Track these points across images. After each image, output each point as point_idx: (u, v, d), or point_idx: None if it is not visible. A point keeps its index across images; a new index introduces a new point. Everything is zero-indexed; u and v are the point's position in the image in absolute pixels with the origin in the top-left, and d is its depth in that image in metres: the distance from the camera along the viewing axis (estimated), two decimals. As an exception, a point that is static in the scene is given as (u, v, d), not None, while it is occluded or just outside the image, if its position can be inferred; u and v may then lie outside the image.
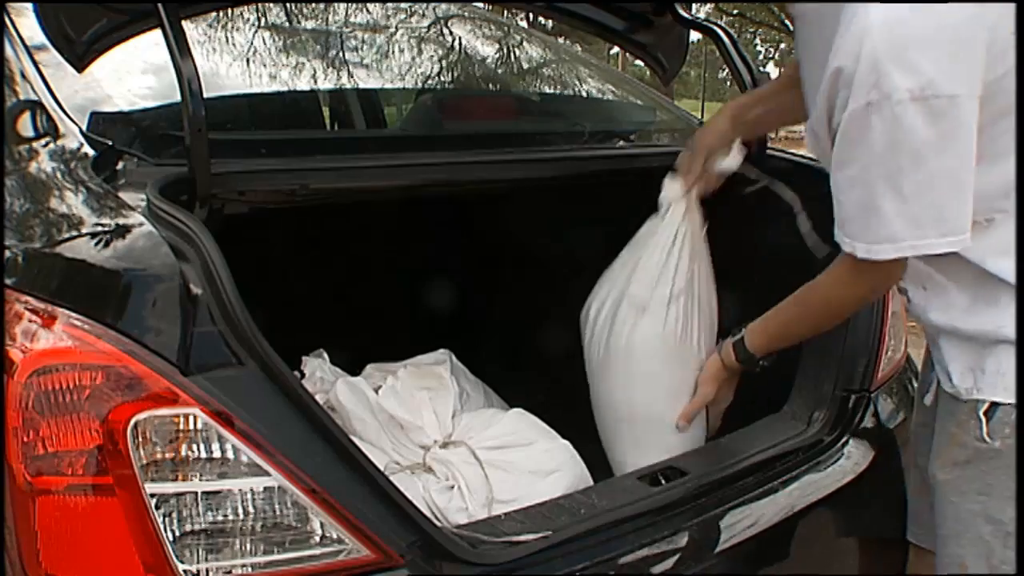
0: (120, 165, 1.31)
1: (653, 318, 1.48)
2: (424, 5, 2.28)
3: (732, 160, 1.49)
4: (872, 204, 1.14)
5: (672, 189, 1.50)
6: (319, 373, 1.51)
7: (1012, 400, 1.21)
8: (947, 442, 1.29)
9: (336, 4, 2.15)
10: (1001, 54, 1.11)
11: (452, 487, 1.34)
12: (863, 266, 1.21)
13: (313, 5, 2.11)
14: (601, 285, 1.56)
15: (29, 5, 1.63)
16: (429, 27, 2.30)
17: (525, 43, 2.45)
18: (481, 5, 2.64)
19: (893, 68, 1.07)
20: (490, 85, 2.30)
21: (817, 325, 1.41)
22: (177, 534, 0.98)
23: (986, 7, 1.09)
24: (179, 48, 1.19)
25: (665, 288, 1.48)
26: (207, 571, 0.99)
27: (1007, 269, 1.20)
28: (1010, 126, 1.15)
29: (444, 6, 2.35)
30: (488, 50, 2.38)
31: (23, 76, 1.49)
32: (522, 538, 1.15)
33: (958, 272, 1.24)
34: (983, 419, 1.23)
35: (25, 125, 1.45)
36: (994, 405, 1.22)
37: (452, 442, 1.40)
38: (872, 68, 1.08)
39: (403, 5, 2.24)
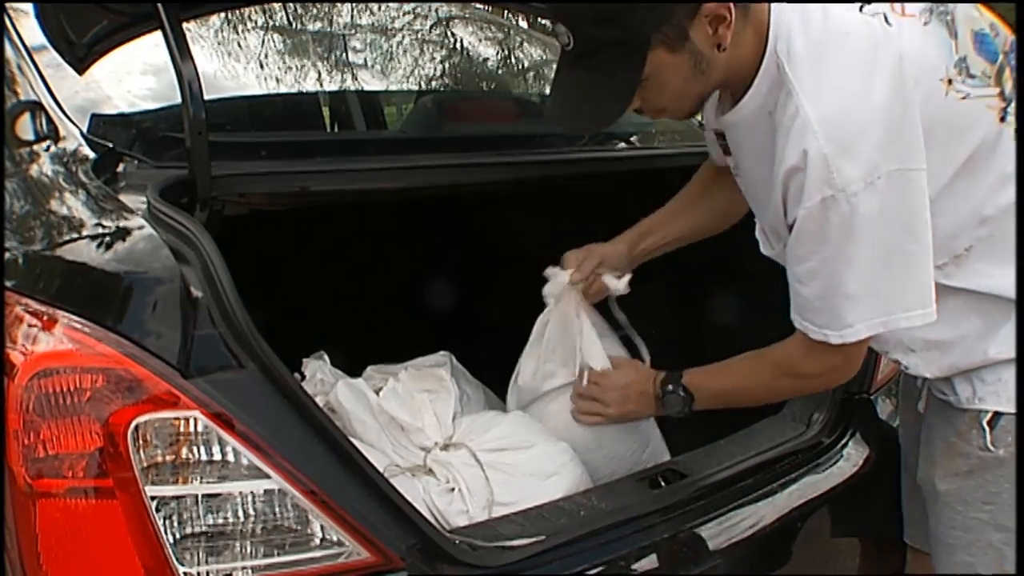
0: (120, 167, 1.32)
1: (546, 405, 1.49)
2: (423, 6, 2.28)
3: (620, 285, 1.48)
4: (837, 291, 1.15)
5: (556, 284, 1.50)
6: (319, 375, 1.51)
7: (1015, 410, 1.21)
8: (947, 452, 1.28)
9: (335, 6, 2.15)
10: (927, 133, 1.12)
11: (452, 489, 1.34)
12: (825, 346, 1.20)
13: (312, 7, 2.11)
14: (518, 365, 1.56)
15: (29, 6, 1.62)
16: (429, 29, 2.30)
17: (525, 44, 2.45)
18: (480, 6, 2.64)
19: (843, 163, 1.08)
20: (490, 87, 2.30)
21: (757, 390, 1.36)
22: (177, 537, 0.98)
23: (905, 86, 1.10)
24: (179, 50, 1.19)
25: (552, 381, 1.49)
26: (207, 573, 1.00)
27: (997, 285, 1.21)
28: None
29: (444, 7, 2.35)
30: (488, 51, 2.38)
31: (24, 77, 1.49)
32: (522, 541, 1.15)
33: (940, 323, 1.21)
34: (987, 428, 1.23)
35: (26, 127, 1.45)
36: (997, 414, 1.23)
37: (452, 444, 1.40)
38: (823, 166, 1.09)
39: (402, 6, 2.24)
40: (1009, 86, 1.20)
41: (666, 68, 1.18)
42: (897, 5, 1.18)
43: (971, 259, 1.21)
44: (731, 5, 1.13)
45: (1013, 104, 1.19)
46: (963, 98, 1.16)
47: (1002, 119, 1.18)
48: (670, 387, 1.39)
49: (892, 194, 1.10)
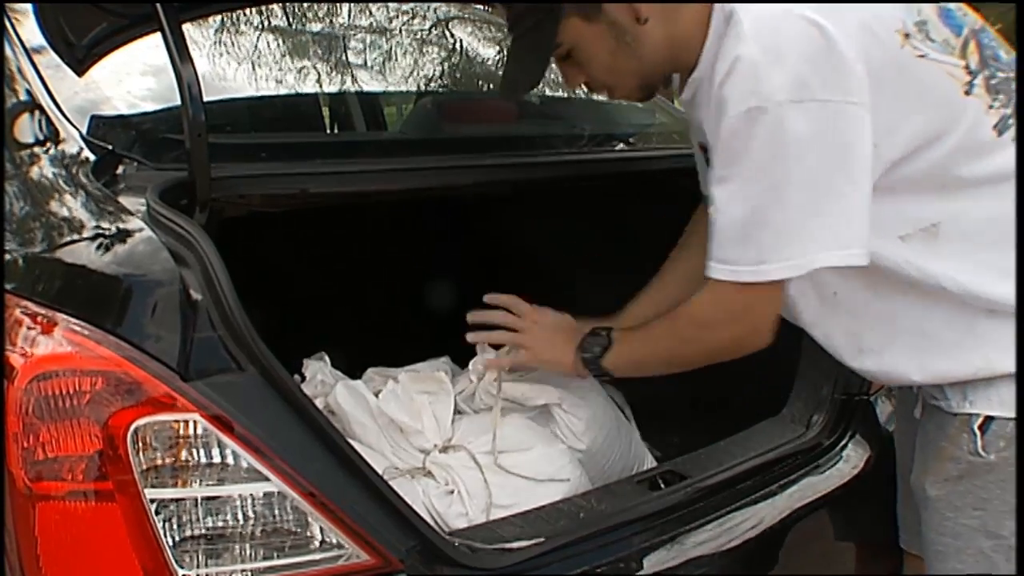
0: (120, 169, 1.31)
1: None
2: (423, 7, 2.28)
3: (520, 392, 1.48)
4: (754, 219, 1.10)
5: (477, 369, 1.50)
6: (320, 376, 1.51)
7: (1008, 414, 1.19)
8: (937, 457, 1.27)
9: (335, 7, 2.15)
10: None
11: (452, 491, 1.34)
12: (740, 290, 1.15)
13: (311, 8, 2.11)
14: None
15: (29, 7, 1.62)
16: (429, 30, 2.30)
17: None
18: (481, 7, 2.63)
19: (771, 70, 1.05)
20: (490, 88, 2.30)
21: (669, 343, 1.31)
22: (177, 539, 0.98)
23: (846, 22, 1.08)
24: (179, 52, 1.18)
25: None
26: (207, 576, 1.00)
27: (969, 282, 1.18)
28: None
29: (443, 8, 2.35)
30: (488, 52, 2.38)
31: (23, 78, 1.49)
32: (521, 543, 1.15)
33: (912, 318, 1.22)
34: (977, 433, 1.21)
35: (25, 128, 1.45)
36: (989, 419, 1.21)
37: (452, 446, 1.40)
38: (750, 70, 1.06)
39: (402, 7, 2.24)
40: (975, 60, 1.17)
41: (586, 38, 1.21)
42: None
43: (941, 240, 1.17)
44: None
45: (980, 78, 1.16)
46: (920, 56, 1.13)
47: (967, 92, 1.15)
48: (596, 334, 1.38)
49: (825, 123, 1.06)
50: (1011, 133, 1.17)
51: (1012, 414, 1.19)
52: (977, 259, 1.18)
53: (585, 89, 1.35)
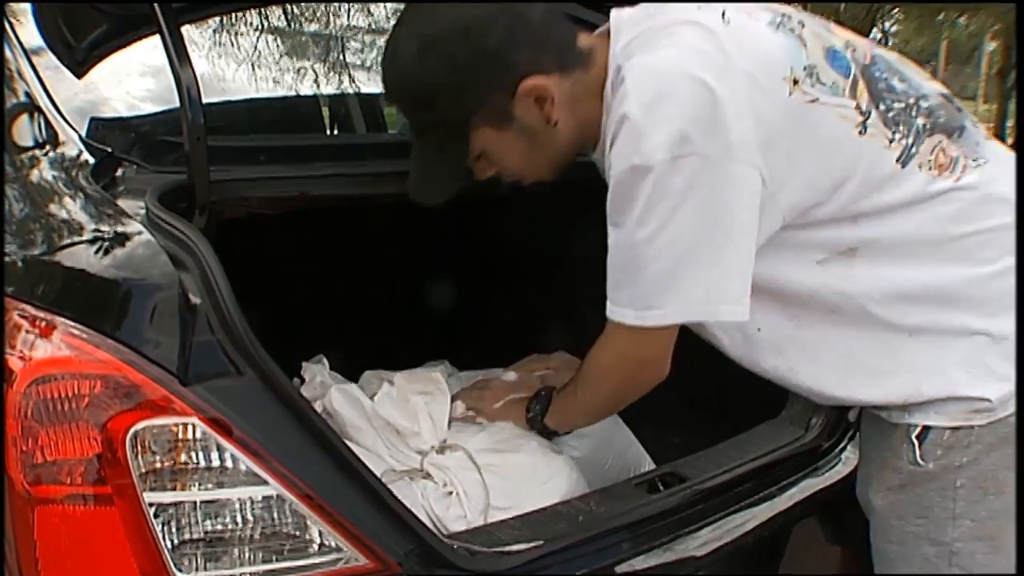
0: (119, 172, 1.32)
1: None
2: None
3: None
4: (638, 268, 1.13)
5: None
6: (319, 379, 1.51)
7: (944, 423, 1.21)
8: (880, 467, 1.29)
9: (335, 8, 2.15)
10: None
11: (450, 493, 1.34)
12: (626, 331, 1.18)
13: (311, 10, 2.11)
14: None
15: (28, 8, 1.63)
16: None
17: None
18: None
19: (651, 127, 1.07)
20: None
21: (593, 401, 1.36)
22: (176, 543, 0.98)
23: (731, 72, 1.09)
24: (178, 55, 1.19)
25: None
26: (205, 579, 1.00)
27: (907, 278, 1.19)
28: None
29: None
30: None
31: (22, 80, 1.50)
32: (520, 546, 1.15)
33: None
34: (916, 443, 1.22)
35: (24, 131, 1.45)
36: (926, 428, 1.22)
37: (448, 446, 1.40)
38: (633, 130, 1.08)
39: (402, 7, 2.24)
40: (865, 100, 1.18)
41: (498, 144, 1.23)
42: (744, 5, 1.19)
43: (858, 262, 1.19)
44: (554, 78, 1.17)
45: (873, 116, 1.17)
46: (811, 101, 1.14)
47: (860, 132, 1.16)
48: (537, 395, 1.43)
49: (704, 178, 1.07)
50: (915, 162, 1.18)
51: (949, 423, 1.21)
52: (894, 276, 1.19)
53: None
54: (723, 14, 1.16)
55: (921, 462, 1.23)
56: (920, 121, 1.20)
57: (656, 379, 1.25)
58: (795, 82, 1.13)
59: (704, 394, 1.63)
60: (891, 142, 1.17)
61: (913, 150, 1.18)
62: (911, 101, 1.21)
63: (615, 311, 1.18)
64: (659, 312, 1.14)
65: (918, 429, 1.23)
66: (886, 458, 1.28)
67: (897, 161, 1.17)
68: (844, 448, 1.52)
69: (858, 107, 1.17)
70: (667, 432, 1.72)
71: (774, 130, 1.11)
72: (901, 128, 1.18)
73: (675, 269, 1.11)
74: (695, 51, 1.10)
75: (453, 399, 1.48)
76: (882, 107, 1.19)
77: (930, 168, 1.18)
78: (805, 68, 1.15)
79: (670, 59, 1.10)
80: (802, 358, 1.26)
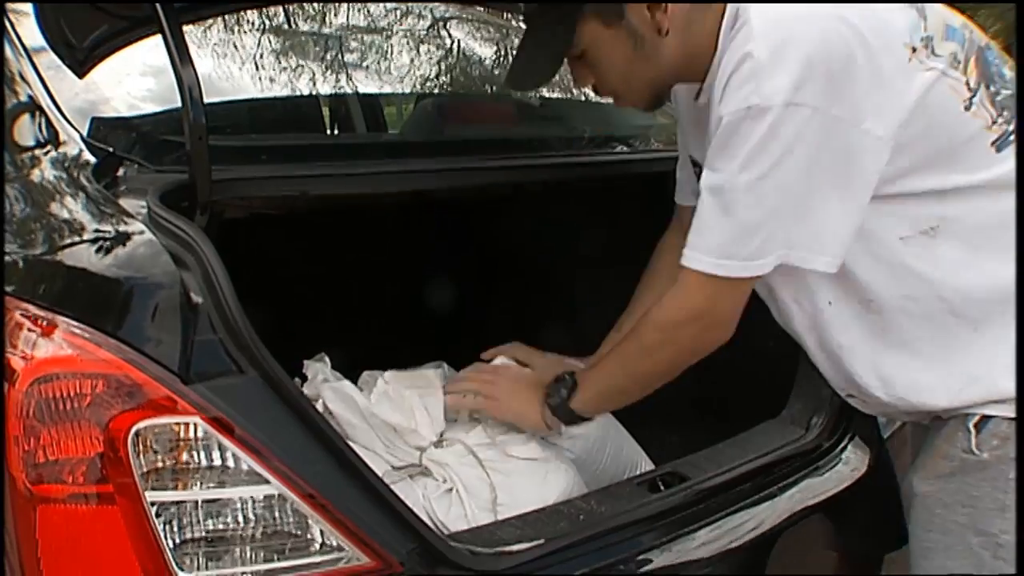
0: (121, 171, 1.32)
1: None
2: (423, 7, 2.28)
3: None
4: (730, 212, 1.12)
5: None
6: (320, 377, 1.51)
7: (1004, 413, 1.20)
8: (930, 454, 1.28)
9: (335, 8, 2.15)
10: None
11: (451, 490, 1.34)
12: (706, 281, 1.16)
13: (312, 10, 2.11)
14: None
15: (29, 8, 1.62)
16: (428, 30, 2.30)
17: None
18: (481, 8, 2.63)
19: (774, 70, 1.06)
20: (491, 89, 2.30)
21: (639, 358, 1.29)
22: (177, 542, 0.99)
23: (858, 34, 1.09)
24: (179, 54, 1.19)
25: None
26: (207, 579, 1.00)
27: (978, 275, 1.19)
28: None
29: (443, 8, 2.35)
30: (488, 53, 2.38)
31: (23, 79, 1.49)
32: (521, 545, 1.15)
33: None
34: (972, 431, 1.22)
35: (26, 130, 1.45)
36: (985, 418, 1.22)
37: (446, 440, 1.40)
38: (754, 69, 1.07)
39: (402, 7, 2.24)
40: (974, 78, 1.18)
41: (603, 43, 1.21)
42: None
43: (939, 242, 1.19)
44: None
45: (981, 94, 1.17)
46: (928, 70, 1.14)
47: (967, 107, 1.17)
48: (559, 380, 1.37)
49: (817, 129, 1.07)
50: (1010, 150, 1.18)
51: (1009, 413, 1.20)
52: (970, 263, 1.19)
53: (592, 93, 1.34)
54: None
55: (976, 451, 1.22)
56: None
57: (721, 340, 1.22)
58: (913, 50, 1.14)
59: (705, 393, 1.63)
60: (993, 123, 1.18)
61: (1011, 137, 1.18)
62: (1014, 92, 1.22)
63: (694, 258, 1.16)
64: (748, 263, 1.12)
65: (977, 418, 1.22)
66: (937, 446, 1.26)
67: (993, 144, 1.18)
68: (845, 448, 1.53)
69: (967, 83, 1.17)
70: (667, 431, 1.72)
71: (892, 93, 1.11)
72: (1005, 113, 1.19)
73: (770, 218, 1.11)
74: (828, 5, 1.10)
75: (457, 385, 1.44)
76: (992, 88, 1.19)
77: None
78: (923, 39, 1.15)
79: (801, 9, 1.10)
80: (866, 338, 1.26)
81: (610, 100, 1.34)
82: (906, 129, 1.13)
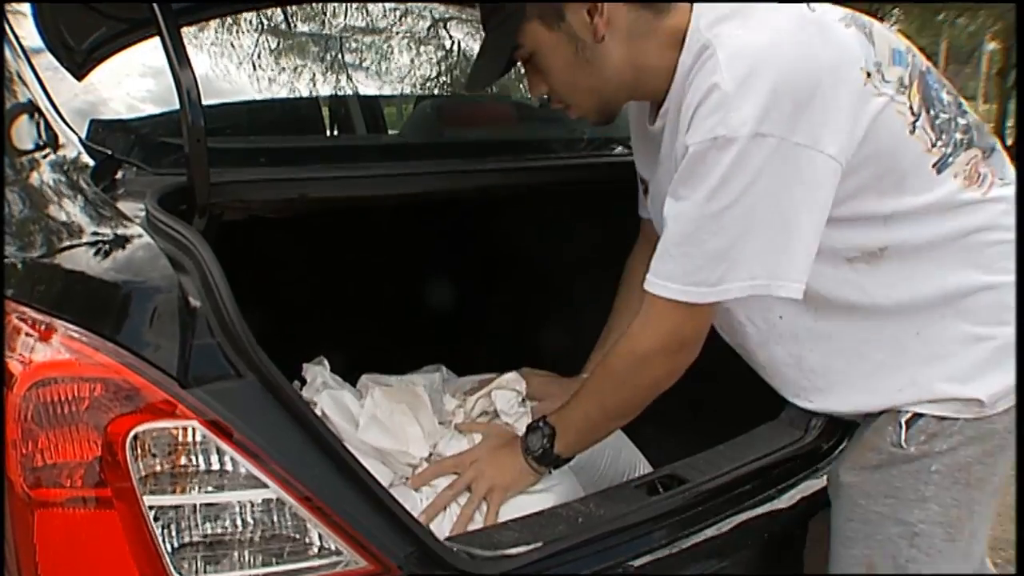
0: (119, 174, 1.32)
1: None
2: (422, 7, 2.28)
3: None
4: (695, 240, 1.13)
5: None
6: (320, 380, 1.51)
7: (935, 412, 1.24)
8: (858, 446, 1.32)
9: (335, 9, 2.15)
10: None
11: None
12: (672, 308, 1.17)
13: (311, 11, 2.11)
14: None
15: (28, 9, 1.62)
16: (428, 31, 2.30)
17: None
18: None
19: (740, 101, 1.08)
20: (490, 91, 2.30)
21: (615, 391, 1.29)
22: (175, 546, 0.99)
23: (820, 56, 1.12)
24: (177, 57, 1.19)
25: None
26: (205, 582, 1.00)
27: (932, 285, 1.22)
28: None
29: (442, 8, 2.35)
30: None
31: (22, 81, 1.49)
32: (520, 548, 1.15)
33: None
34: (903, 426, 1.26)
35: (24, 133, 1.45)
36: (916, 415, 1.25)
37: (436, 457, 1.39)
38: (721, 100, 1.09)
39: (401, 8, 2.24)
40: (917, 102, 1.21)
41: (547, 46, 1.24)
42: (817, 4, 1.22)
43: (887, 262, 1.22)
44: None
45: (923, 118, 1.20)
46: (879, 96, 1.16)
47: (911, 131, 1.19)
48: (532, 430, 1.34)
49: (782, 160, 1.09)
50: (949, 171, 1.21)
51: (939, 412, 1.24)
52: (914, 276, 1.23)
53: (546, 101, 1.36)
54: (808, 4, 1.20)
55: (904, 445, 1.26)
56: (958, 135, 1.24)
57: (688, 363, 1.24)
58: (868, 75, 1.16)
59: (703, 396, 1.63)
60: (933, 146, 1.21)
61: (950, 159, 1.22)
62: (953, 114, 1.25)
63: (659, 285, 1.17)
64: (713, 288, 1.14)
65: (908, 415, 1.26)
66: (867, 438, 1.31)
67: (933, 167, 1.21)
68: (844, 449, 1.52)
69: (911, 107, 1.20)
70: (666, 434, 1.72)
71: (848, 117, 1.13)
72: (943, 136, 1.22)
73: (736, 246, 1.12)
74: (791, 34, 1.13)
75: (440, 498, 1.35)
76: (932, 112, 1.22)
77: (964, 178, 1.22)
78: (874, 63, 1.18)
79: (767, 39, 1.12)
80: (814, 346, 1.30)
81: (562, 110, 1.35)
82: (856, 153, 1.15)
